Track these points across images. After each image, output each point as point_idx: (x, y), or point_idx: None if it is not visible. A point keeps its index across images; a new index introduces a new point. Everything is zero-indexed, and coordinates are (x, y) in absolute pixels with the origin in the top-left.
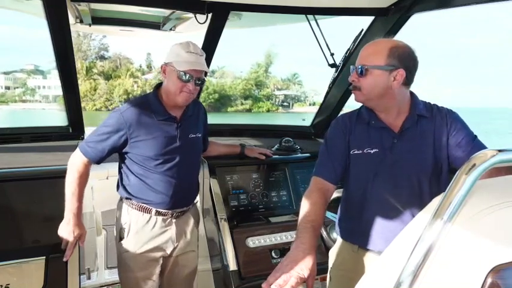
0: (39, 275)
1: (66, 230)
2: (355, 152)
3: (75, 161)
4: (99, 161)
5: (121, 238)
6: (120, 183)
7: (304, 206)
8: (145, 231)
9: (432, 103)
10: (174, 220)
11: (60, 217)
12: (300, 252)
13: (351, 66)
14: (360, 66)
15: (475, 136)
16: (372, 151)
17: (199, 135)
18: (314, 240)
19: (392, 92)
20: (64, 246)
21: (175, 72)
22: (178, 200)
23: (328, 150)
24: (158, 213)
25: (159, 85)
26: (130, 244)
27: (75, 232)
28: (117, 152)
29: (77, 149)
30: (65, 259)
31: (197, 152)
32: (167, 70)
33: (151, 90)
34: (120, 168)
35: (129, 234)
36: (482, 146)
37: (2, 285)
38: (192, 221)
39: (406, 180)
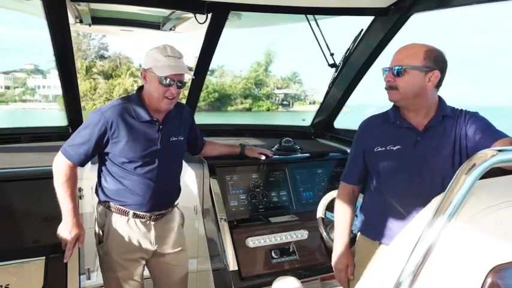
0: (39, 275)
1: (64, 231)
2: (379, 149)
3: (60, 165)
4: (83, 163)
5: (100, 241)
6: (99, 186)
7: (338, 211)
8: (124, 234)
9: (458, 108)
10: (152, 223)
11: (60, 217)
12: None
13: (384, 68)
14: (396, 67)
15: (491, 125)
16: (394, 148)
17: (181, 138)
18: (349, 239)
19: (426, 93)
20: (64, 247)
21: (156, 78)
22: (157, 203)
23: (352, 153)
24: (135, 215)
25: (141, 87)
26: (109, 247)
27: (73, 233)
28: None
29: (60, 153)
30: (65, 260)
31: (178, 156)
32: (148, 76)
33: (134, 93)
34: (99, 171)
35: (107, 236)
36: (495, 133)
37: (2, 285)
38: (174, 224)
39: (428, 177)
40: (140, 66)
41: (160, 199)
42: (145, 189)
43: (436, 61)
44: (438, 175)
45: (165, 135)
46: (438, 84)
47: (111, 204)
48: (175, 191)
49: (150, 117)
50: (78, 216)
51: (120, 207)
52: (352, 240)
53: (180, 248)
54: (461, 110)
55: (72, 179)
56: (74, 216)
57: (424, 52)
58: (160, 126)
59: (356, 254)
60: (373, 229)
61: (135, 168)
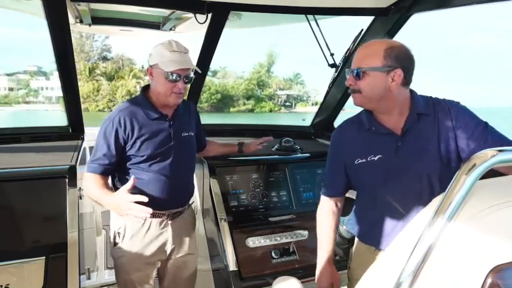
0: (39, 275)
1: (119, 208)
2: (359, 161)
3: (90, 182)
4: (109, 173)
5: (115, 243)
6: (113, 187)
7: (321, 227)
8: (141, 235)
9: (431, 96)
10: (169, 222)
11: (60, 217)
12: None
13: (346, 70)
14: (356, 69)
15: (486, 124)
16: (375, 158)
17: (192, 134)
18: (333, 255)
19: (392, 94)
20: (140, 212)
21: (163, 74)
22: (174, 200)
23: (331, 166)
24: (154, 215)
25: (146, 87)
26: (125, 249)
27: (125, 200)
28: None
29: (86, 173)
30: (148, 213)
31: (191, 151)
32: (154, 72)
33: (139, 93)
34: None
35: (124, 238)
36: (495, 134)
37: (2, 285)
38: (188, 223)
39: (416, 181)
40: (143, 67)
41: (176, 195)
42: (162, 186)
43: (397, 59)
44: (424, 176)
45: (177, 130)
46: (406, 82)
47: None
48: (190, 187)
49: (159, 114)
50: (113, 195)
51: None
52: (351, 240)
53: (192, 251)
54: (437, 100)
55: (103, 185)
56: (108, 195)
57: (384, 50)
58: (171, 122)
59: (353, 259)
60: (367, 236)
61: (150, 166)
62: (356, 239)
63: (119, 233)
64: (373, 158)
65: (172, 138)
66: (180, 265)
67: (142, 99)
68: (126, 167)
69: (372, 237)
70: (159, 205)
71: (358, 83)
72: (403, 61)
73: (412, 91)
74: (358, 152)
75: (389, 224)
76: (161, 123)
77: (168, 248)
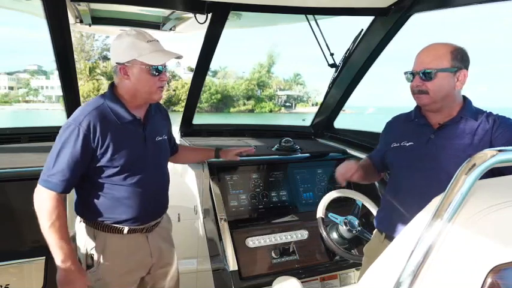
0: (38, 275)
1: (69, 282)
2: (394, 145)
3: (44, 201)
4: (70, 189)
5: (89, 266)
6: (80, 203)
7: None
8: (118, 254)
9: (487, 111)
10: (148, 234)
11: None
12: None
13: (408, 72)
14: (424, 71)
15: None
16: (407, 144)
17: (165, 137)
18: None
19: (454, 93)
20: None
21: (146, 69)
22: (152, 212)
23: (379, 142)
24: (132, 231)
25: (113, 84)
26: (102, 271)
27: (80, 284)
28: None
29: (39, 187)
30: None
31: (165, 157)
32: (132, 70)
33: (106, 91)
34: (79, 185)
35: (100, 260)
36: None
37: (2, 285)
38: (165, 231)
39: (435, 175)
40: None
41: (155, 207)
42: (139, 201)
43: (462, 60)
44: (445, 174)
45: (150, 135)
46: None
47: (101, 222)
48: (167, 195)
49: (132, 117)
50: (77, 259)
51: (113, 225)
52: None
53: (172, 260)
54: (489, 113)
55: (63, 215)
56: (74, 262)
57: (450, 52)
58: (144, 126)
59: (367, 245)
60: (379, 220)
61: (125, 179)
62: (374, 232)
63: (92, 254)
64: (405, 144)
65: (146, 144)
66: (162, 277)
67: (112, 99)
68: (98, 181)
69: (383, 221)
70: (137, 220)
71: (427, 84)
72: (466, 62)
73: (465, 97)
74: (396, 137)
75: (401, 211)
76: (134, 127)
77: (149, 262)
